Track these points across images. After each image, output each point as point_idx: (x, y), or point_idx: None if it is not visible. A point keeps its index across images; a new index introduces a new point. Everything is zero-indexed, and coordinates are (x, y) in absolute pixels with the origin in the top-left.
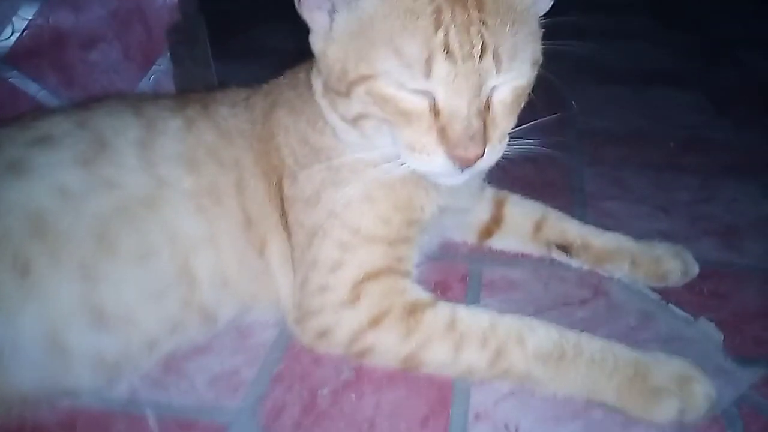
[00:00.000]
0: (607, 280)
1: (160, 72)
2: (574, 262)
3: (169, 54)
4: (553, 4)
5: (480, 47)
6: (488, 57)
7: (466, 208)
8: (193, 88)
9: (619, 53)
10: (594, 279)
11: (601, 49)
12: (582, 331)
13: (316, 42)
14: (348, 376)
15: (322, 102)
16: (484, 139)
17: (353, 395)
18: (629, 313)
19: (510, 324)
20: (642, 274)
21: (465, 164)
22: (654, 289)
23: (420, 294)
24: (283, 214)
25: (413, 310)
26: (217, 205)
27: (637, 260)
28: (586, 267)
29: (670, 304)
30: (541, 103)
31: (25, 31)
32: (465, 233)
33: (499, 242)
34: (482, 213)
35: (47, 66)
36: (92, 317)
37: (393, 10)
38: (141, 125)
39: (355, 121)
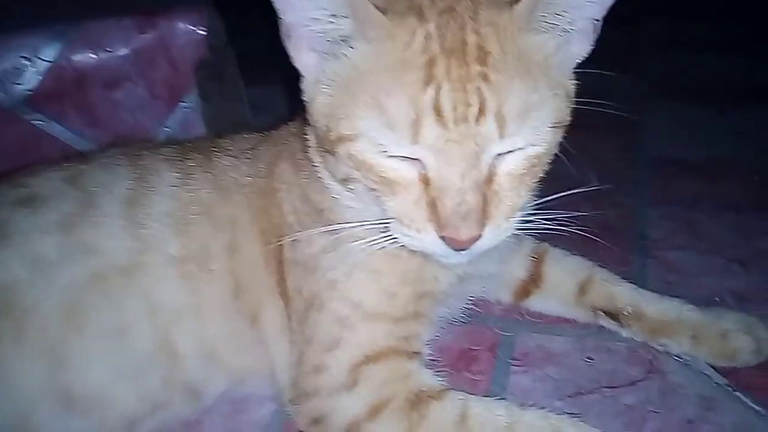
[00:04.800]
0: (663, 357)
1: (188, 109)
2: (625, 332)
3: (197, 90)
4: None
5: (477, 108)
6: (488, 119)
7: (495, 273)
8: (223, 125)
9: (708, 67)
10: (648, 353)
11: (687, 62)
12: (627, 422)
13: (305, 89)
14: None
15: (315, 158)
16: (482, 218)
17: None
18: (687, 400)
19: (533, 423)
20: (705, 351)
21: (458, 246)
22: (720, 370)
23: (428, 381)
24: (282, 279)
25: (417, 402)
26: (205, 271)
27: (699, 335)
28: (638, 338)
29: (737, 392)
30: (602, 131)
31: (48, 73)
32: (498, 292)
33: (538, 304)
34: (518, 269)
35: (70, 107)
36: (61, 400)
37: (381, 60)
38: (134, 179)
39: (345, 182)
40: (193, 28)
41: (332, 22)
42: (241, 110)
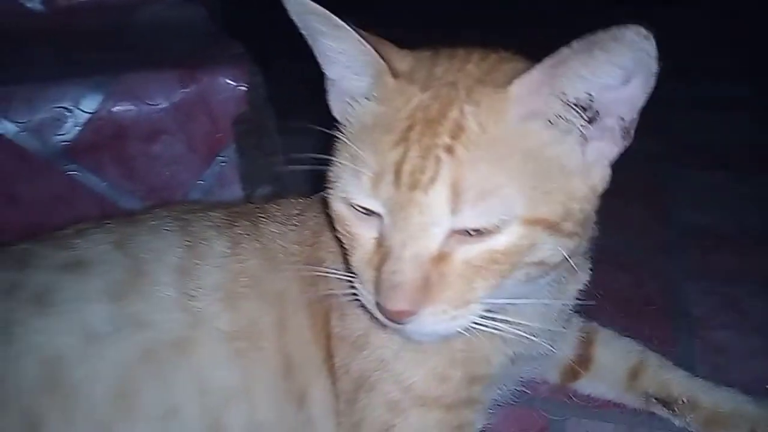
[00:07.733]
0: None
1: (225, 164)
2: (678, 421)
3: (234, 145)
4: None
5: (430, 176)
6: (437, 189)
7: (549, 354)
8: (259, 180)
9: (719, 127)
10: None
11: (702, 122)
12: None
13: None
14: None
15: None
16: (420, 297)
17: None
18: None
19: None
20: None
21: (390, 317)
22: None
23: None
24: (329, 356)
25: None
26: (255, 349)
27: (757, 429)
28: (692, 429)
29: None
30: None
31: (87, 125)
32: (547, 371)
33: (587, 387)
34: (567, 349)
35: (108, 159)
36: None
37: (376, 119)
38: (184, 247)
39: None
40: (234, 83)
41: (357, 79)
42: (277, 164)
